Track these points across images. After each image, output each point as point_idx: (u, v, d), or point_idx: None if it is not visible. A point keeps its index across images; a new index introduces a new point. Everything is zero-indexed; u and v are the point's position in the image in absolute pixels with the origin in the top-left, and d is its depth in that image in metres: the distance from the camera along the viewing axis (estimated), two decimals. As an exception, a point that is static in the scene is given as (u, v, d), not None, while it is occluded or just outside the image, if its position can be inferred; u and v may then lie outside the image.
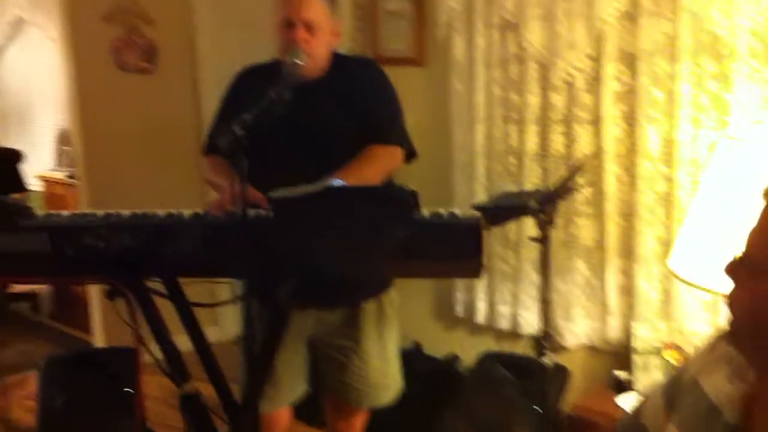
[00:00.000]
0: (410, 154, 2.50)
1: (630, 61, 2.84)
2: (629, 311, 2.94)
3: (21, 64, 5.95)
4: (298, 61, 2.24)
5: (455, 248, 1.87)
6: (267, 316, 2.07)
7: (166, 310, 2.11)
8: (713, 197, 2.14)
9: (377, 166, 2.35)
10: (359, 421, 2.70)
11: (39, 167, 5.70)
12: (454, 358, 3.42)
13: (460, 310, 3.49)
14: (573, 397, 2.85)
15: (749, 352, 1.02)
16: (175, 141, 4.17)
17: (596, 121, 2.93)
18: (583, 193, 2.97)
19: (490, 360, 2.95)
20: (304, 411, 2.77)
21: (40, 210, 2.10)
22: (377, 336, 2.53)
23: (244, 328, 2.05)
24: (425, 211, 1.89)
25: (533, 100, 3.08)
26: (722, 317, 1.06)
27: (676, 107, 2.70)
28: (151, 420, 2.95)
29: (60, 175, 5.56)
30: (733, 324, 1.01)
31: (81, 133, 4.13)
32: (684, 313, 2.74)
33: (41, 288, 5.29)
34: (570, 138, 3.01)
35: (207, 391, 2.13)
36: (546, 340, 2.17)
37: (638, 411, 1.27)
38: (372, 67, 2.57)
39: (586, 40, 2.90)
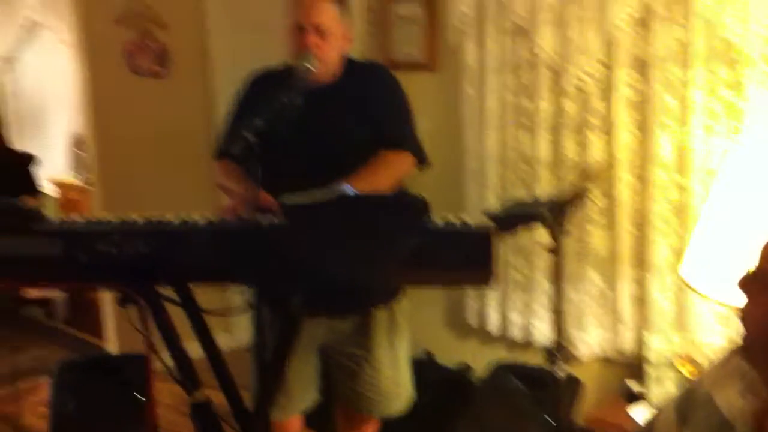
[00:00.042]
0: (422, 161, 2.49)
1: (642, 67, 2.82)
2: (642, 322, 2.92)
3: (35, 68, 5.98)
4: (310, 66, 2.24)
5: (466, 256, 1.85)
6: (278, 324, 2.06)
7: (178, 316, 2.10)
8: (725, 206, 2.12)
9: (388, 172, 2.35)
10: (371, 429, 2.69)
11: (53, 171, 5.73)
12: (466, 368, 3.40)
13: (472, 319, 3.47)
14: (585, 408, 2.83)
15: (762, 366, 1.01)
16: (188, 145, 4.17)
17: (609, 129, 2.92)
18: (595, 202, 2.95)
19: (502, 370, 2.93)
20: (315, 419, 2.76)
21: (53, 214, 2.11)
22: (388, 344, 2.52)
23: (256, 336, 2.05)
24: (436, 219, 1.89)
25: (545, 106, 3.07)
26: (737, 329, 1.05)
27: (689, 114, 2.68)
28: (163, 427, 2.96)
29: (74, 178, 5.59)
30: (746, 338, 1.00)
31: (94, 136, 4.15)
32: (698, 324, 2.72)
33: (55, 293, 5.31)
34: (582, 145, 3.00)
35: (218, 398, 2.12)
36: (558, 350, 2.16)
37: (651, 424, 1.26)
38: (384, 72, 2.57)
39: (598, 46, 2.88)
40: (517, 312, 3.28)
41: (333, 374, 2.58)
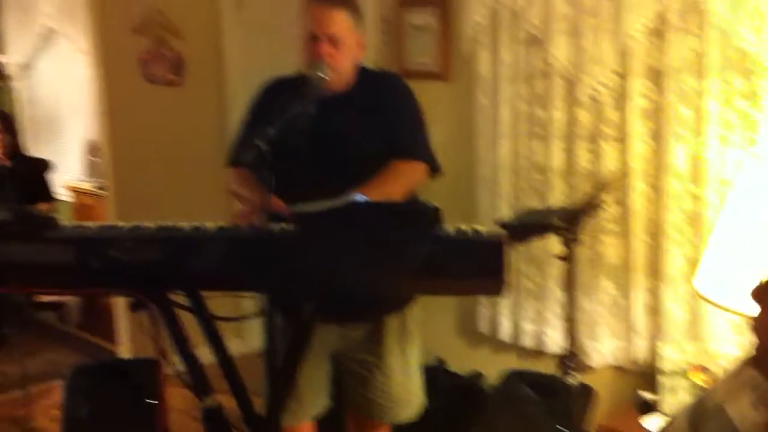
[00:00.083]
0: (434, 170, 2.49)
1: (657, 77, 2.81)
2: (656, 331, 2.90)
3: (51, 75, 6.03)
4: (323, 75, 2.24)
5: (478, 265, 1.85)
6: (290, 331, 2.07)
7: (189, 322, 2.11)
8: (739, 216, 2.11)
9: (401, 181, 2.35)
10: (381, 436, 2.69)
11: (68, 177, 5.77)
12: (477, 376, 3.39)
13: (484, 326, 3.46)
14: (598, 418, 2.82)
15: (775, 377, 1.00)
16: (201, 152, 4.19)
17: (623, 138, 2.91)
18: (609, 211, 2.94)
19: (514, 378, 2.92)
20: (326, 425, 2.76)
21: (67, 221, 2.12)
22: (400, 351, 2.52)
23: (267, 342, 2.05)
24: (448, 227, 1.88)
25: (559, 115, 3.06)
26: (750, 339, 1.04)
27: (703, 124, 2.67)
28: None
29: (89, 185, 5.62)
30: (759, 349, 0.99)
31: (109, 144, 4.19)
32: (712, 334, 2.70)
33: (69, 298, 5.34)
34: (596, 154, 2.99)
35: (229, 404, 2.13)
36: (571, 359, 2.15)
37: (662, 435, 1.25)
38: (397, 81, 2.57)
39: (612, 56, 2.88)
40: (530, 320, 3.28)
41: (344, 380, 2.58)
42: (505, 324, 3.36)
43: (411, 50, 3.65)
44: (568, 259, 2.15)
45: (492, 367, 3.28)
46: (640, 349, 2.96)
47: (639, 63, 2.83)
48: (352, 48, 2.37)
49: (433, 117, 2.57)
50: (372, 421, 2.62)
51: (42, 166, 5.15)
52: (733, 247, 2.09)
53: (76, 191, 5.70)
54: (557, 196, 3.10)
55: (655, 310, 2.91)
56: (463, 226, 1.89)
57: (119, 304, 4.28)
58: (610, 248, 2.99)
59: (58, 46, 5.74)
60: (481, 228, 1.89)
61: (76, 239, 1.99)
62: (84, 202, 5.60)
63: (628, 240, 2.94)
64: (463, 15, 3.34)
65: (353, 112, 2.39)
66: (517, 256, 3.19)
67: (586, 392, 2.77)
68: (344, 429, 2.78)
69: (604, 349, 3.06)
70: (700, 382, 2.55)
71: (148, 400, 3.02)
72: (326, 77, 2.25)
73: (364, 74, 2.45)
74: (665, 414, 2.67)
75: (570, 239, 2.16)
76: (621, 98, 2.90)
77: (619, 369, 3.07)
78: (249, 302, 2.20)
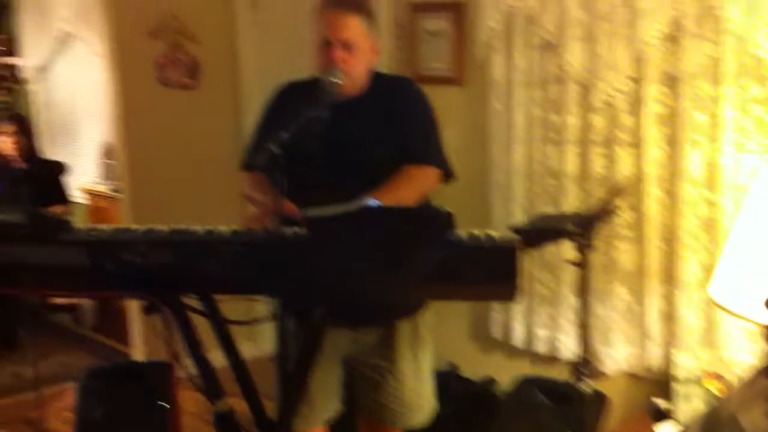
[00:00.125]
0: (448, 175, 2.49)
1: (672, 83, 2.80)
2: (670, 338, 2.89)
3: (67, 79, 6.07)
4: (336, 80, 2.25)
5: (491, 271, 1.85)
6: (302, 335, 2.07)
7: (202, 325, 2.12)
8: (755, 223, 2.09)
9: (414, 186, 2.35)
10: (393, 441, 2.68)
11: (83, 180, 5.81)
12: (490, 381, 3.38)
13: (497, 332, 3.46)
14: (611, 425, 2.80)
15: (790, 387, 0.99)
16: (215, 155, 4.21)
17: (638, 144, 2.90)
18: (623, 217, 2.93)
19: (527, 384, 2.91)
20: (338, 430, 2.75)
21: (81, 223, 2.13)
22: (412, 356, 2.52)
23: (279, 346, 2.05)
24: (462, 233, 1.88)
25: (573, 121, 3.05)
26: (763, 349, 1.04)
27: (719, 131, 2.66)
28: (186, 435, 2.97)
29: (104, 188, 5.65)
30: (774, 358, 0.98)
31: (125, 147, 4.21)
32: (727, 341, 2.68)
33: (83, 300, 5.36)
34: (610, 160, 2.98)
35: (241, 407, 2.13)
36: (584, 365, 2.14)
37: (675, 443, 1.25)
38: (411, 86, 2.57)
39: (627, 62, 2.87)
40: (543, 326, 3.26)
41: (356, 385, 2.57)
42: (518, 329, 3.35)
43: (425, 55, 3.65)
44: (582, 264, 2.14)
45: (505, 373, 3.27)
46: (654, 356, 2.95)
47: (654, 69, 2.82)
48: (365, 53, 2.37)
49: (447, 122, 2.57)
50: (384, 426, 2.62)
51: (58, 168, 5.18)
52: (749, 255, 2.07)
53: (92, 194, 5.73)
54: (571, 202, 3.09)
55: (669, 317, 2.89)
56: (477, 232, 1.89)
57: (133, 307, 4.30)
58: (624, 254, 2.98)
59: (74, 50, 5.77)
60: (495, 233, 1.89)
61: (91, 242, 2.00)
62: (99, 204, 5.63)
63: (642, 246, 2.92)
64: (478, 20, 3.34)
65: (367, 117, 2.39)
66: (530, 262, 3.18)
67: (599, 399, 2.75)
68: (356, 434, 2.78)
69: (617, 355, 3.04)
70: (714, 390, 2.53)
71: (160, 403, 3.03)
72: (340, 82, 2.25)
73: (377, 79, 2.45)
74: (679, 422, 2.65)
75: (584, 245, 2.16)
76: (636, 103, 2.89)
77: (632, 376, 3.05)
78: (261, 306, 2.20)
